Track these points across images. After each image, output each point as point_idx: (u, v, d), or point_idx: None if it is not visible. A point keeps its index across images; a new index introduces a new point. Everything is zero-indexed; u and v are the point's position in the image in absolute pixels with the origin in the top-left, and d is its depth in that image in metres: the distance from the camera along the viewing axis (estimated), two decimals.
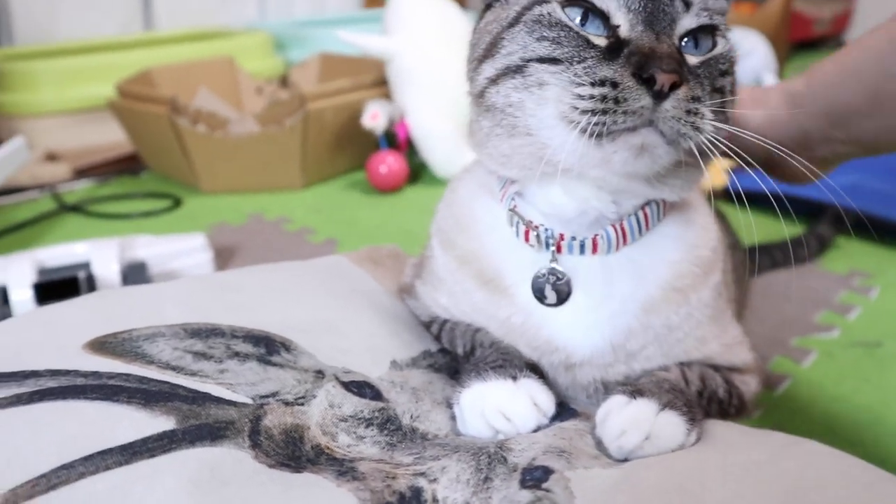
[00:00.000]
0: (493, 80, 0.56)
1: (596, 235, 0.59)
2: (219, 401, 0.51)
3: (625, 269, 0.61)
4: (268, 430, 0.50)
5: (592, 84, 0.50)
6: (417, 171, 1.87)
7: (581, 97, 0.51)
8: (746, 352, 0.69)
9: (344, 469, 0.48)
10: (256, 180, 1.80)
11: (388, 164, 1.74)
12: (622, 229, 0.59)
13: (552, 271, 0.60)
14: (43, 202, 1.73)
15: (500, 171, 0.61)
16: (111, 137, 1.98)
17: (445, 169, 1.80)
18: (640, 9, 0.52)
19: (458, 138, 1.78)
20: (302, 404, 0.53)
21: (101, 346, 0.56)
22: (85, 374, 0.51)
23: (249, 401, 0.52)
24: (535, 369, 0.62)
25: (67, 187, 1.83)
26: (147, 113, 1.73)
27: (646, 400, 0.56)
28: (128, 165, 1.96)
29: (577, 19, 0.53)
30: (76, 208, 1.68)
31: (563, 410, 0.60)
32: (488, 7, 0.61)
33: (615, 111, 0.50)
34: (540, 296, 0.60)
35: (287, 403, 0.53)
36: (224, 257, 1.44)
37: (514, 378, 0.58)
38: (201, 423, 0.48)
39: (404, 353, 0.65)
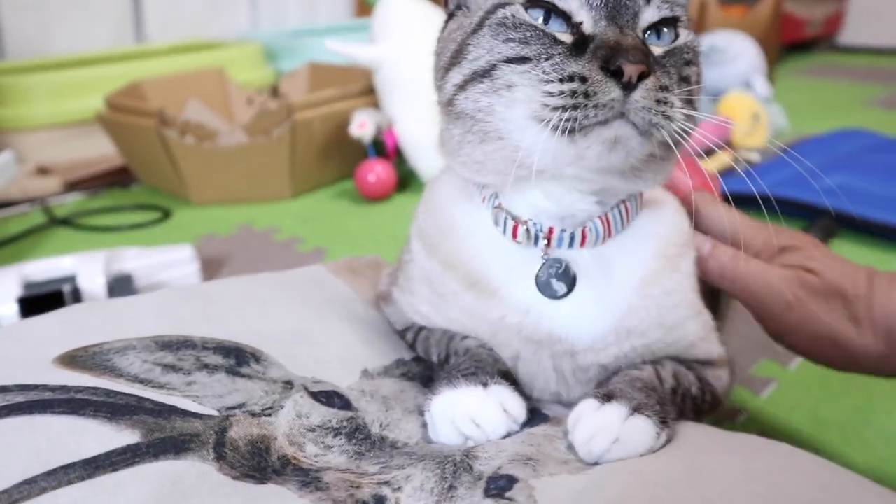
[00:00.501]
0: (461, 87, 0.56)
1: (584, 228, 0.60)
2: (185, 413, 0.51)
3: (616, 254, 0.61)
4: (233, 442, 0.50)
5: (561, 80, 0.51)
6: (406, 179, 1.87)
7: (551, 94, 0.51)
8: (718, 344, 0.69)
9: (308, 479, 0.48)
10: (245, 191, 1.80)
11: (377, 172, 1.74)
12: (608, 221, 0.60)
13: (551, 263, 0.60)
14: (33, 216, 1.73)
15: (475, 179, 0.61)
16: (102, 150, 1.98)
17: (433, 176, 1.80)
18: (601, 5, 0.53)
19: None
20: (269, 415, 0.54)
21: (72, 359, 0.56)
22: (53, 389, 0.52)
23: (216, 413, 0.52)
24: (508, 376, 0.62)
25: (58, 200, 1.83)
26: (135, 125, 1.74)
27: (616, 404, 0.56)
28: (118, 178, 1.96)
29: (540, 20, 0.54)
30: (66, 221, 1.69)
31: (535, 416, 0.60)
32: (451, 16, 0.61)
33: (586, 105, 0.50)
34: (546, 289, 0.60)
35: (254, 414, 0.53)
36: (212, 268, 1.45)
37: (485, 385, 0.59)
38: (165, 437, 0.48)
39: (377, 361, 0.65)
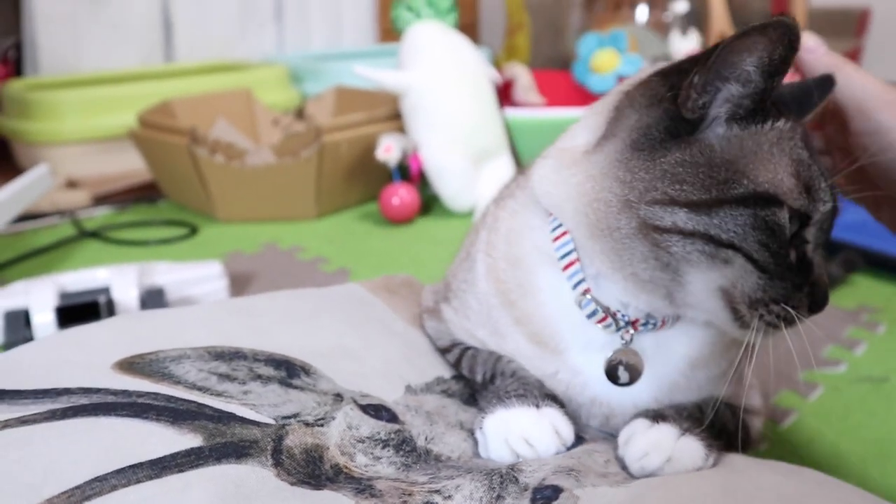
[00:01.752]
0: (686, 234, 0.53)
1: (664, 318, 0.61)
2: (243, 420, 0.53)
3: (677, 335, 0.63)
4: (289, 450, 0.52)
5: (779, 303, 0.53)
6: (429, 204, 1.90)
7: (765, 305, 0.54)
8: (757, 396, 0.71)
9: (362, 487, 0.50)
10: (271, 210, 1.83)
11: (401, 196, 1.77)
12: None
13: (625, 354, 0.61)
14: (63, 228, 1.77)
15: (611, 274, 0.58)
16: (130, 166, 2.02)
17: (457, 202, 1.83)
18: (824, 231, 0.56)
19: (470, 172, 1.81)
20: (322, 425, 0.56)
21: (130, 366, 0.58)
22: (115, 393, 0.54)
23: (272, 421, 0.54)
24: (555, 399, 0.64)
25: (87, 214, 1.87)
26: (167, 143, 1.78)
27: (668, 425, 0.58)
28: (146, 193, 2.00)
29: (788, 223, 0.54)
30: (95, 234, 1.72)
31: (580, 441, 0.62)
32: (692, 130, 0.55)
33: (775, 323, 0.54)
34: (612, 376, 0.61)
35: (307, 424, 0.55)
36: (239, 285, 1.47)
37: (537, 406, 0.60)
38: (227, 441, 0.50)
39: (418, 378, 0.67)
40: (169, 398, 0.54)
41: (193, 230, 1.76)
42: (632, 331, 0.60)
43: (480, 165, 1.84)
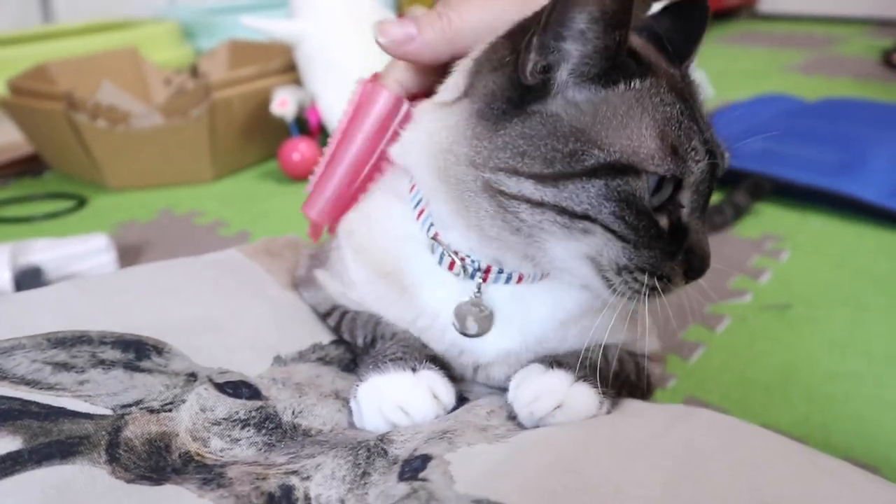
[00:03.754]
0: (532, 203, 0.50)
1: (522, 273, 0.58)
2: (74, 415, 0.47)
3: (543, 293, 0.59)
4: (128, 442, 0.46)
5: (648, 273, 0.50)
6: None
7: (631, 274, 0.51)
8: (655, 340, 0.69)
9: (211, 476, 0.45)
10: (165, 175, 1.73)
11: (301, 151, 1.70)
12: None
13: (475, 303, 0.58)
14: None
15: (455, 221, 0.55)
16: (10, 138, 1.88)
17: None
18: (699, 195, 0.52)
19: None
20: (169, 410, 0.50)
21: None
22: None
23: (109, 412, 0.48)
24: (437, 361, 0.60)
25: None
26: (42, 110, 1.65)
27: (562, 371, 0.55)
28: (29, 166, 1.87)
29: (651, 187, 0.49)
30: None
31: (463, 402, 0.58)
32: (535, 98, 0.50)
33: (647, 290, 0.51)
34: (461, 322, 0.58)
35: (152, 411, 0.50)
36: (131, 257, 1.39)
37: (414, 370, 0.56)
38: (51, 441, 0.44)
39: (291, 346, 0.62)
40: None
41: (82, 202, 1.66)
42: (480, 282, 0.57)
43: None
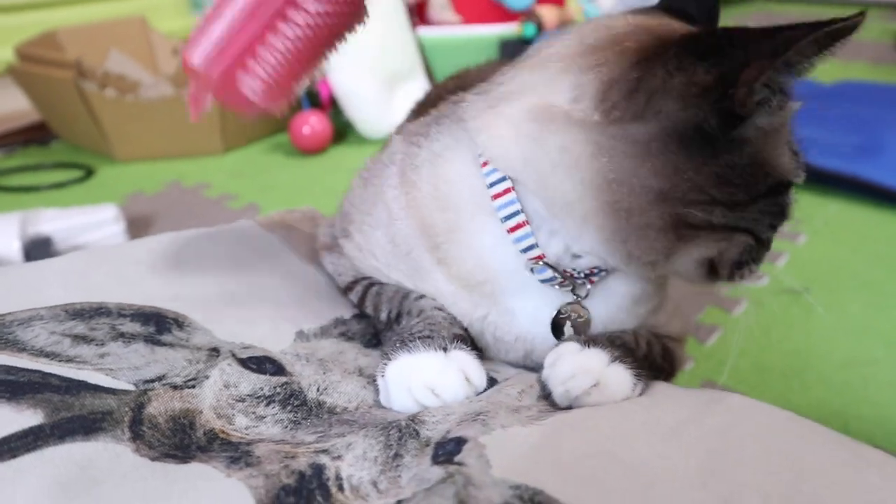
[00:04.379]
0: (715, 228, 0.50)
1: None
2: (96, 389, 0.46)
3: (618, 283, 0.59)
4: (152, 419, 0.45)
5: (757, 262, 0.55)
6: (342, 131, 1.81)
7: (747, 267, 0.54)
8: (681, 322, 0.68)
9: (238, 455, 0.44)
10: (173, 146, 1.71)
11: (311, 124, 1.68)
12: None
13: (576, 310, 0.57)
14: None
15: (600, 250, 0.53)
16: (17, 105, 1.86)
17: (371, 128, 1.74)
18: None
19: (383, 95, 1.72)
20: (193, 387, 0.49)
21: None
22: None
23: (132, 387, 0.47)
24: (464, 340, 0.58)
25: None
26: (50, 77, 1.63)
27: (598, 349, 0.54)
28: (36, 135, 1.85)
29: None
30: None
31: (492, 382, 0.57)
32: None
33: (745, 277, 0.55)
34: (557, 331, 0.58)
35: (175, 387, 0.48)
36: (139, 228, 1.37)
37: (445, 350, 0.54)
38: (73, 416, 0.43)
39: (313, 322, 0.61)
40: (9, 370, 0.46)
41: (89, 172, 1.64)
42: (588, 286, 0.57)
43: (394, 88, 1.75)
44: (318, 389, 0.53)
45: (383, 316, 0.62)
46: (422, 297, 0.61)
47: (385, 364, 0.55)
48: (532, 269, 0.55)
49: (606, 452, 0.45)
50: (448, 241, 0.58)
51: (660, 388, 0.57)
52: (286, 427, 0.49)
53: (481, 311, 0.59)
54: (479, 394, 0.54)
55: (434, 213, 0.58)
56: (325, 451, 0.45)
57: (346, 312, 0.65)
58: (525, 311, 0.58)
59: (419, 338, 0.55)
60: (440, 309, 0.59)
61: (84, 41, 1.85)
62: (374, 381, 0.56)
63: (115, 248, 0.69)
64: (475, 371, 0.55)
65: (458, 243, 0.58)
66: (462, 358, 0.55)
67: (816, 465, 0.45)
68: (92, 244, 1.22)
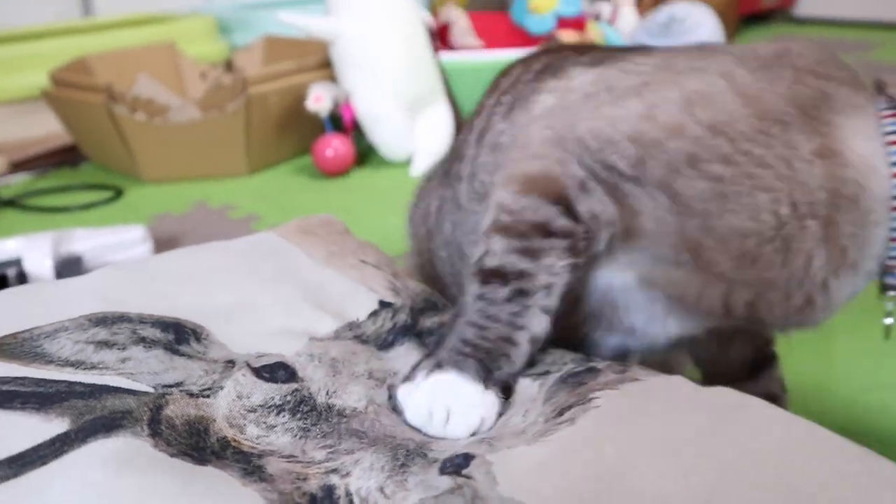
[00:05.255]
0: None
1: None
2: (117, 391, 0.48)
3: None
4: (169, 420, 0.47)
5: None
6: (365, 154, 1.84)
7: None
8: None
9: (251, 468, 0.46)
10: (200, 168, 1.75)
11: (335, 147, 1.71)
12: None
13: None
14: None
15: None
16: (49, 129, 1.91)
17: (393, 151, 1.77)
18: None
19: (405, 119, 1.75)
20: (207, 396, 0.51)
21: (0, 349, 0.52)
22: None
23: (151, 390, 0.49)
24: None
25: (3, 181, 1.76)
26: (83, 102, 1.68)
27: None
28: (67, 157, 1.90)
29: None
30: (13, 203, 1.62)
31: None
32: None
33: None
34: None
35: (192, 395, 0.50)
36: (166, 247, 1.40)
37: (485, 383, 0.53)
38: (95, 417, 0.45)
39: (327, 325, 0.62)
40: (38, 381, 0.49)
41: (118, 193, 1.68)
42: None
43: (416, 112, 1.78)
44: (326, 393, 0.54)
45: (484, 326, 0.56)
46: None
47: (426, 371, 0.53)
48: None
49: (613, 471, 0.45)
50: None
51: (680, 390, 0.55)
52: (296, 435, 0.50)
53: None
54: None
55: None
56: (334, 471, 0.46)
57: (362, 314, 0.66)
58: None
59: (472, 355, 0.54)
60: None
61: (114, 67, 1.90)
62: (384, 384, 0.57)
63: (140, 263, 0.71)
64: (495, 412, 0.54)
65: None
66: (492, 401, 0.53)
67: (832, 486, 0.44)
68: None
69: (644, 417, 0.51)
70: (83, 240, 1.24)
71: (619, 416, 0.51)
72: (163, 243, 1.40)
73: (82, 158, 1.90)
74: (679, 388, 0.55)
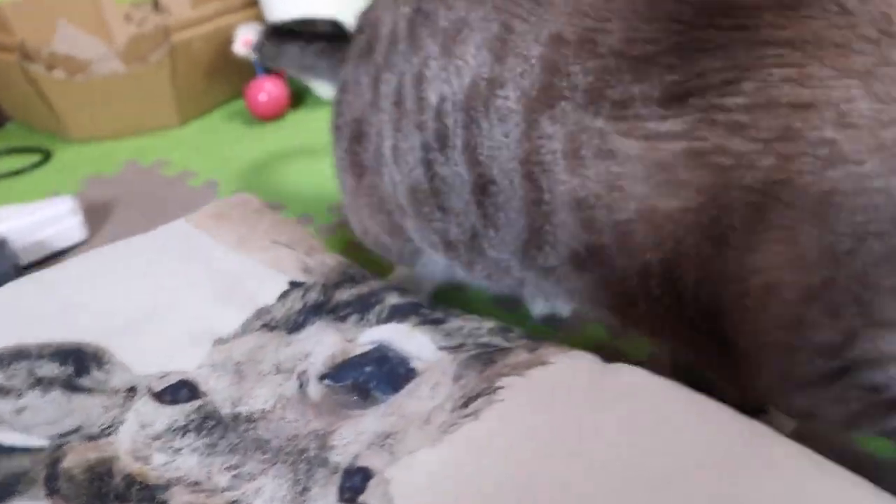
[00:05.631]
0: None
1: None
2: (11, 451, 0.47)
3: None
4: (67, 473, 0.47)
5: None
6: (300, 95, 1.78)
7: None
8: None
9: (154, 503, 0.46)
10: (129, 122, 1.69)
11: (268, 90, 1.65)
12: None
13: None
14: None
15: None
16: None
17: (329, 90, 1.71)
18: None
19: None
20: (108, 434, 0.50)
21: None
22: None
23: (47, 443, 0.49)
24: None
25: None
26: None
27: None
28: None
29: None
30: None
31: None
32: None
33: None
34: None
35: (91, 437, 0.50)
36: (99, 216, 1.37)
37: None
38: None
39: (234, 320, 0.61)
40: None
41: (47, 156, 1.62)
42: None
43: None
44: (232, 403, 0.54)
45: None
46: None
47: None
48: None
49: (506, 474, 0.46)
50: None
51: (588, 373, 0.54)
52: (202, 454, 0.50)
53: None
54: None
55: None
56: (235, 502, 0.46)
57: (270, 299, 0.65)
58: None
59: None
60: None
61: (32, 14, 1.80)
62: (293, 373, 0.57)
63: (38, 276, 0.69)
64: None
65: None
66: None
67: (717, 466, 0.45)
68: (51, 240, 1.22)
69: (546, 413, 0.51)
70: (5, 220, 1.20)
71: (521, 414, 0.51)
72: (94, 211, 1.36)
73: (6, 118, 1.83)
74: (583, 373, 0.55)
